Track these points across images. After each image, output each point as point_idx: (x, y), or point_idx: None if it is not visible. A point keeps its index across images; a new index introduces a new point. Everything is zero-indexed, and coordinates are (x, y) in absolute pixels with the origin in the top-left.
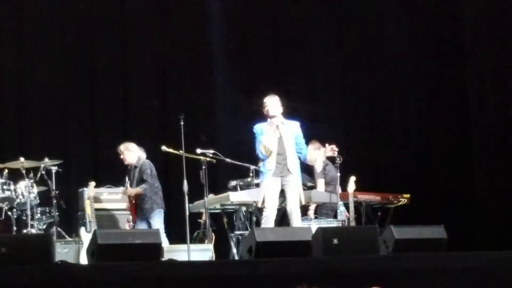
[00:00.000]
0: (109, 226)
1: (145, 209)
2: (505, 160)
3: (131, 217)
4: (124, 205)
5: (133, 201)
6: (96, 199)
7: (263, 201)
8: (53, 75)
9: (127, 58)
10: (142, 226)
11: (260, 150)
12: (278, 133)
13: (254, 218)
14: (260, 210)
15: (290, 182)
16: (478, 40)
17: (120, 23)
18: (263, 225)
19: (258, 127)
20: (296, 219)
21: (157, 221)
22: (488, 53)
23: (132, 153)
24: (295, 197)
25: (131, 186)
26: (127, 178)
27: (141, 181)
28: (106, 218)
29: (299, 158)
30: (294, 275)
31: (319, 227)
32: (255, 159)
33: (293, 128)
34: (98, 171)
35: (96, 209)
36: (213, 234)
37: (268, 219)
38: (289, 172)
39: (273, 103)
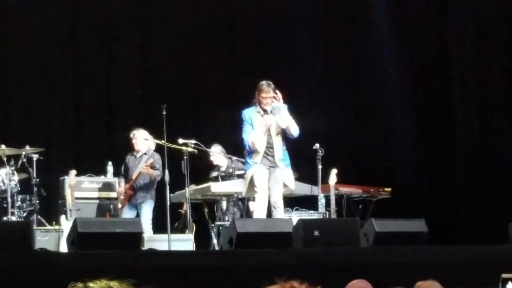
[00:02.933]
0: (89, 214)
1: (149, 194)
2: (488, 154)
3: (112, 206)
4: (105, 194)
5: (132, 186)
6: (77, 188)
7: (247, 190)
8: (36, 63)
9: (111, 47)
10: (129, 213)
11: (249, 143)
12: (267, 130)
13: (237, 208)
14: (242, 201)
15: (275, 174)
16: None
17: (104, 12)
18: (255, 212)
19: (247, 114)
20: (279, 212)
21: (148, 209)
22: (472, 53)
23: (146, 142)
24: (279, 189)
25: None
26: (123, 169)
27: (152, 169)
28: (86, 207)
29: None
30: (275, 267)
31: (300, 219)
32: (240, 145)
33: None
34: (79, 160)
35: (77, 198)
36: (194, 225)
37: (261, 204)
38: (275, 164)
39: (267, 94)
